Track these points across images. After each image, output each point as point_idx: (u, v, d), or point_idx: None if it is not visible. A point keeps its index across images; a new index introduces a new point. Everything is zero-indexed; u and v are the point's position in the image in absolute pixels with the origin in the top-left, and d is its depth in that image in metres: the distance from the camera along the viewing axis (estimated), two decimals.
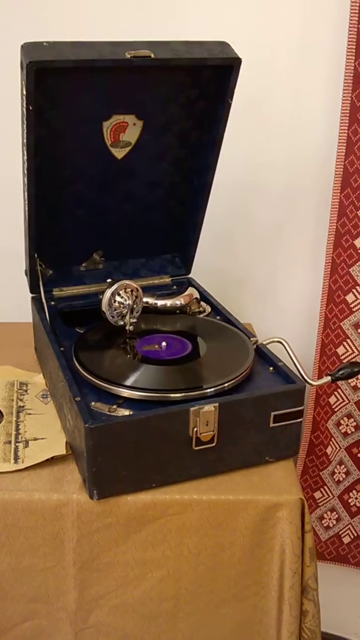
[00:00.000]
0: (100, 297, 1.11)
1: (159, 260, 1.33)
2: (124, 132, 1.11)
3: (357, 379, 1.43)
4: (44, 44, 0.94)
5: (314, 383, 1.04)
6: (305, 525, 0.96)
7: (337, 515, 1.57)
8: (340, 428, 1.49)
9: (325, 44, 1.32)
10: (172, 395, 0.94)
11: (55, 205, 1.15)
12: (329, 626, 1.68)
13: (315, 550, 1.60)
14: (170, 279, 1.32)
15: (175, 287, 1.30)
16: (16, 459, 0.98)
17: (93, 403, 0.94)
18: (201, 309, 1.23)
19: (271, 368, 1.04)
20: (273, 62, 1.35)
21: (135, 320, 1.12)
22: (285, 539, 0.96)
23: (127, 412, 0.92)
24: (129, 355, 1.06)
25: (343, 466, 1.52)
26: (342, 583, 1.68)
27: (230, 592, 1.00)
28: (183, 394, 0.94)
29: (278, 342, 1.07)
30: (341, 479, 1.53)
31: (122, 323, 1.12)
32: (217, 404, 0.92)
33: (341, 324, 1.42)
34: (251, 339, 1.09)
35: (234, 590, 1.00)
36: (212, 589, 0.99)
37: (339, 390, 1.46)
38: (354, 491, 1.53)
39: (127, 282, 1.11)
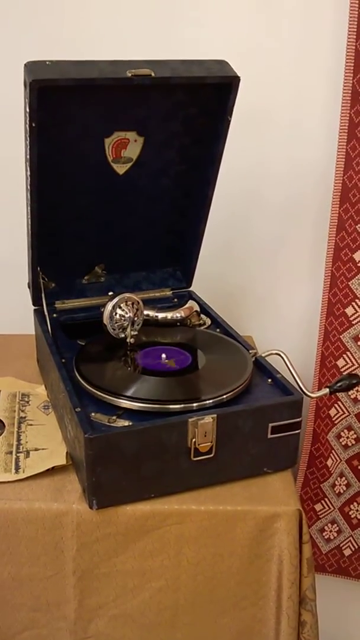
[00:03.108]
0: (102, 309, 1.13)
1: (160, 273, 1.35)
2: (125, 149, 1.13)
3: (358, 390, 1.44)
4: (47, 62, 0.96)
5: (311, 395, 1.05)
6: (303, 536, 0.97)
7: (338, 528, 1.58)
8: (341, 440, 1.49)
9: (324, 61, 1.35)
10: (171, 406, 0.96)
11: (57, 219, 1.17)
12: (329, 639, 1.68)
13: (316, 562, 1.61)
14: (171, 291, 1.34)
15: (176, 300, 1.32)
16: (17, 469, 1.00)
17: (93, 414, 0.95)
18: (201, 321, 1.24)
19: (270, 380, 1.06)
20: (272, 77, 1.38)
21: (136, 332, 1.14)
22: (283, 550, 0.97)
23: (126, 423, 0.93)
24: (129, 367, 1.07)
25: (344, 478, 1.52)
26: (343, 596, 1.68)
27: (228, 602, 1.00)
28: (182, 405, 0.96)
29: (277, 354, 1.08)
30: (342, 491, 1.54)
31: (123, 335, 1.13)
32: (215, 415, 0.93)
33: (341, 336, 1.43)
34: (250, 352, 1.10)
35: (232, 600, 1.00)
36: (211, 599, 1.00)
37: (339, 402, 1.47)
38: (354, 503, 1.54)
39: (128, 295, 1.13)
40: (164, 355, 1.09)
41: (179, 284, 1.35)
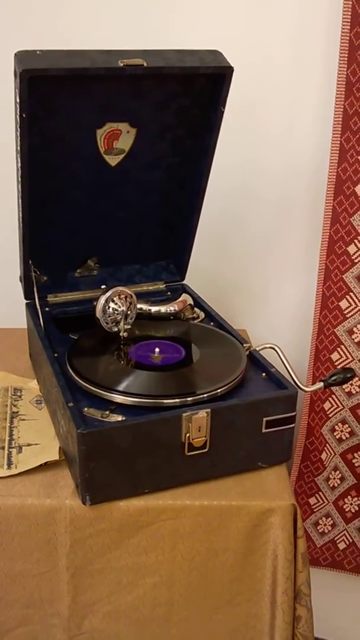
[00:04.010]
0: (95, 303, 1.11)
1: (154, 266, 1.34)
2: (117, 140, 1.12)
3: (352, 384, 1.43)
4: (37, 52, 0.95)
5: (306, 389, 1.04)
6: (297, 530, 0.97)
7: (332, 521, 1.57)
8: (335, 434, 1.49)
9: (318, 52, 1.34)
10: (164, 401, 0.95)
11: (49, 212, 1.15)
12: (324, 632, 1.68)
13: (311, 556, 1.61)
14: (164, 285, 1.33)
15: (169, 293, 1.31)
16: (9, 464, 0.99)
17: (86, 409, 0.94)
18: (195, 315, 1.23)
19: (264, 374, 1.05)
20: (266, 69, 1.36)
21: (129, 326, 1.13)
22: (277, 545, 0.96)
23: (119, 418, 0.92)
24: (122, 362, 1.06)
25: (338, 472, 1.52)
26: (338, 589, 1.68)
27: (223, 597, 1.00)
28: (176, 400, 0.95)
29: (271, 348, 1.07)
30: (336, 485, 1.53)
31: (116, 329, 1.12)
32: (209, 410, 0.92)
33: (335, 330, 1.42)
34: (244, 345, 1.10)
35: (227, 596, 1.00)
36: (206, 594, 0.99)
37: (333, 396, 1.46)
38: (349, 497, 1.54)
39: (121, 288, 1.12)
40: (157, 349, 1.08)
41: (173, 277, 1.34)
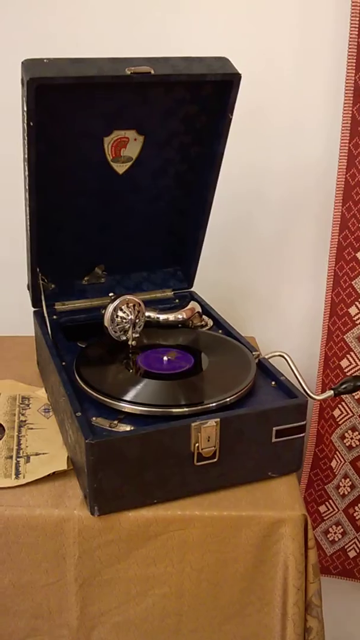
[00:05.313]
0: (103, 311, 1.11)
1: (161, 274, 1.33)
2: (125, 148, 1.11)
3: None
4: (44, 60, 0.95)
5: (316, 397, 1.03)
6: (308, 541, 0.95)
7: (342, 529, 1.56)
8: (345, 441, 1.48)
9: (326, 57, 1.33)
10: (173, 410, 0.94)
11: (57, 219, 1.15)
12: None
13: (321, 564, 1.59)
14: (172, 292, 1.32)
15: (177, 300, 1.30)
16: (17, 474, 0.98)
17: (94, 418, 0.94)
18: (203, 322, 1.22)
19: (273, 382, 1.04)
20: (274, 75, 1.36)
21: (137, 335, 1.12)
22: (288, 556, 0.95)
23: (128, 428, 0.92)
24: (130, 370, 1.06)
25: (348, 479, 1.51)
26: (348, 597, 1.66)
27: (233, 608, 0.99)
28: (185, 409, 0.94)
29: (280, 356, 1.06)
30: (346, 493, 1.52)
31: (124, 338, 1.11)
32: (218, 420, 0.91)
33: (344, 336, 1.41)
34: (253, 353, 1.09)
35: (237, 606, 0.99)
36: (215, 605, 0.98)
37: (343, 403, 1.45)
38: (359, 505, 1.52)
39: (129, 297, 1.11)
40: (165, 358, 1.07)
41: (180, 284, 1.33)
